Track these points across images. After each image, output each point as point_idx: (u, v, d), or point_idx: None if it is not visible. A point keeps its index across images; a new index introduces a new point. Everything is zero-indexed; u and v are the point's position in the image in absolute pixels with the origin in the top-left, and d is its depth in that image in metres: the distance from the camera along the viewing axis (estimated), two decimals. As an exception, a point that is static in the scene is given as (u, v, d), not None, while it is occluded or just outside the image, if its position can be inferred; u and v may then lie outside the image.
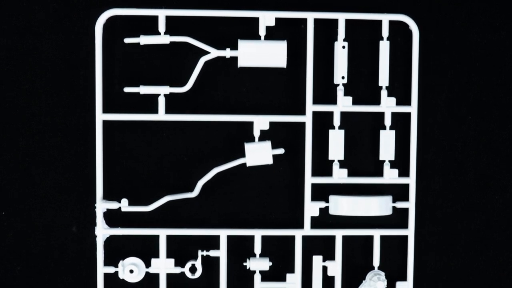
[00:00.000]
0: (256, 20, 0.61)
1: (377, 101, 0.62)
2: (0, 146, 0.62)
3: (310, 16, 0.61)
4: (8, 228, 0.63)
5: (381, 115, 0.62)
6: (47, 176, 0.62)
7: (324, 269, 0.63)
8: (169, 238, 0.62)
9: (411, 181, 0.62)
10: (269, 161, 0.61)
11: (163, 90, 0.61)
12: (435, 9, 0.63)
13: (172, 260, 0.62)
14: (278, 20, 0.61)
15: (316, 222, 0.63)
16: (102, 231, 0.61)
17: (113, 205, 0.61)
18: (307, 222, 0.62)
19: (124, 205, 0.61)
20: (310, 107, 0.62)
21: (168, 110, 0.61)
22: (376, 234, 0.63)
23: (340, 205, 0.61)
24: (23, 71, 0.62)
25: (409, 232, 0.63)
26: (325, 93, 0.63)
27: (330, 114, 0.62)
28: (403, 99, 0.63)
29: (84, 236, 0.63)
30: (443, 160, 0.64)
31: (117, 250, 0.63)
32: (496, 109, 0.64)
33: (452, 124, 0.64)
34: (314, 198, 0.62)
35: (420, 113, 0.63)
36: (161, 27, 0.60)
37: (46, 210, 0.63)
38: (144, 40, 0.61)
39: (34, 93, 0.62)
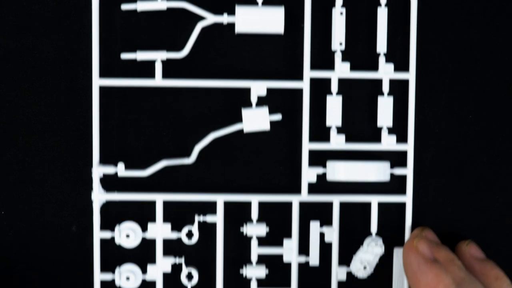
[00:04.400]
0: (253, -15, 0.61)
1: (375, 68, 0.62)
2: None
3: (308, -19, 0.61)
4: (8, 228, 0.63)
5: (379, 82, 0.62)
6: (46, 169, 0.63)
7: (321, 235, 0.63)
8: (166, 204, 0.62)
9: (409, 147, 0.62)
10: (266, 127, 0.61)
11: (160, 56, 0.61)
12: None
13: (168, 225, 0.62)
14: (275, -15, 0.61)
15: (313, 190, 0.63)
16: (99, 196, 0.61)
17: (110, 169, 0.61)
18: (304, 187, 0.62)
19: (121, 169, 0.61)
20: (308, 73, 0.61)
21: (165, 76, 0.61)
22: (374, 200, 0.62)
23: (337, 170, 0.61)
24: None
25: (407, 198, 0.63)
26: (323, 59, 0.62)
27: (328, 80, 0.62)
28: (402, 66, 0.62)
29: (82, 236, 0.63)
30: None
31: (114, 217, 0.63)
32: (497, 108, 0.64)
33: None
34: (312, 165, 0.62)
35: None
36: (158, -9, 0.60)
37: (46, 206, 0.63)
38: (141, 6, 0.60)
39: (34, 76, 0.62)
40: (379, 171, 0.61)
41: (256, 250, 0.62)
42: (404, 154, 0.63)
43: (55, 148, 0.63)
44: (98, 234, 0.61)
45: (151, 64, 0.61)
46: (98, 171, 0.61)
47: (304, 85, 0.61)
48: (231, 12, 0.61)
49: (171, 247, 0.63)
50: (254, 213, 0.62)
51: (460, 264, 0.59)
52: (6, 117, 0.62)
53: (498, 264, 0.62)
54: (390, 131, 0.62)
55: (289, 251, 0.62)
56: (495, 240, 0.65)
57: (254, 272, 0.62)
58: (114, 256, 0.63)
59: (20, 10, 0.62)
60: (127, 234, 0.61)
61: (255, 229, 0.62)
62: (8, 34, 0.62)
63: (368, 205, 0.63)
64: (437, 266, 0.56)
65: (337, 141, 0.62)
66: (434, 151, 0.64)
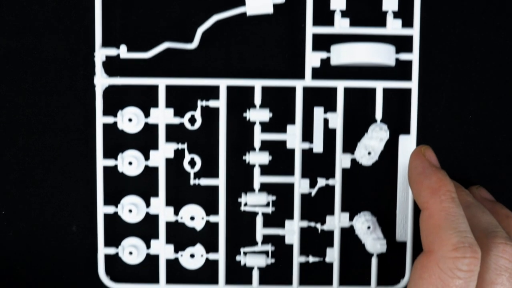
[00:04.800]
0: None
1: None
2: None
3: None
4: (8, 228, 0.63)
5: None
6: (46, 169, 0.63)
7: (325, 122, 0.62)
8: (169, 90, 0.61)
9: (414, 32, 0.61)
10: (270, 10, 0.60)
11: None
12: None
13: (171, 110, 0.61)
14: None
15: (317, 76, 0.62)
16: (101, 81, 0.61)
17: (112, 51, 0.60)
18: (308, 72, 0.61)
19: (123, 51, 0.60)
20: (312, -44, 0.60)
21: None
22: (379, 86, 0.61)
23: (342, 53, 0.60)
24: None
25: (413, 84, 0.62)
26: None
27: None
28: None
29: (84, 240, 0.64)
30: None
31: (116, 104, 0.62)
32: (497, 108, 0.64)
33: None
34: (315, 50, 0.61)
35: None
36: None
37: (46, 207, 0.63)
38: None
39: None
40: (384, 53, 0.60)
41: (259, 136, 0.61)
42: (409, 39, 0.62)
43: (55, 148, 0.63)
44: (101, 120, 0.61)
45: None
46: (100, 53, 0.60)
47: (308, -31, 0.60)
48: None
49: (173, 134, 0.62)
50: (257, 98, 0.61)
51: (468, 192, 0.59)
52: (6, 117, 0.62)
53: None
54: (396, 15, 0.61)
55: (292, 137, 0.62)
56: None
57: (257, 158, 0.61)
58: (116, 142, 0.62)
59: (20, 10, 0.62)
60: (130, 118, 0.61)
61: (258, 114, 0.61)
62: (8, 34, 0.62)
63: (373, 91, 0.62)
64: (441, 171, 0.56)
65: (341, 25, 0.60)
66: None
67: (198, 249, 0.63)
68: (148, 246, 0.63)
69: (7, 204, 0.63)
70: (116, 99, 0.62)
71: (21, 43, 0.62)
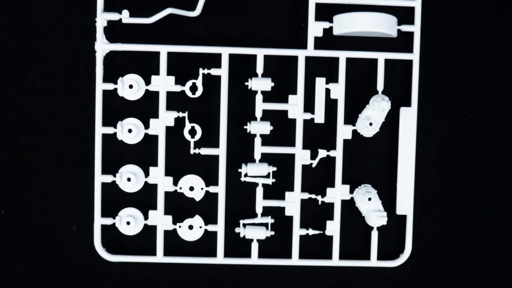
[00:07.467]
0: None
1: None
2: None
3: None
4: (8, 227, 0.63)
5: None
6: (46, 169, 0.63)
7: (327, 92, 0.62)
8: (170, 58, 0.61)
9: (416, 4, 0.61)
10: (273, -21, 0.60)
11: None
12: None
13: (172, 78, 0.61)
14: None
15: (320, 46, 0.62)
16: (102, 46, 0.60)
17: (114, 16, 0.59)
18: (310, 42, 0.61)
19: (125, 16, 0.59)
20: None
21: None
22: (381, 57, 0.61)
23: (344, 22, 0.60)
24: None
25: (414, 56, 0.62)
26: None
27: None
28: None
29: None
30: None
31: (117, 71, 0.62)
32: (497, 108, 0.64)
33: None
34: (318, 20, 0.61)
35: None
36: None
37: (46, 207, 0.63)
38: None
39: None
40: (386, 23, 0.60)
41: (260, 106, 0.61)
42: (411, 10, 0.62)
43: (55, 148, 0.62)
44: (101, 86, 0.60)
45: None
46: (102, 18, 0.59)
47: None
48: None
49: (174, 102, 0.62)
50: (259, 67, 0.61)
51: None
52: (6, 117, 0.62)
53: (497, 264, 0.63)
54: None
55: (294, 107, 0.61)
56: (495, 239, 0.64)
57: (258, 128, 0.61)
58: (116, 109, 0.62)
59: (21, 10, 0.62)
60: (130, 85, 0.60)
61: (260, 84, 0.61)
62: (7, 34, 0.62)
63: (374, 63, 0.62)
64: None
65: (345, -5, 0.61)
66: (434, 152, 0.64)
67: (197, 221, 0.62)
68: (146, 217, 0.62)
69: (7, 204, 0.62)
70: (117, 66, 0.61)
71: (21, 43, 0.61)
